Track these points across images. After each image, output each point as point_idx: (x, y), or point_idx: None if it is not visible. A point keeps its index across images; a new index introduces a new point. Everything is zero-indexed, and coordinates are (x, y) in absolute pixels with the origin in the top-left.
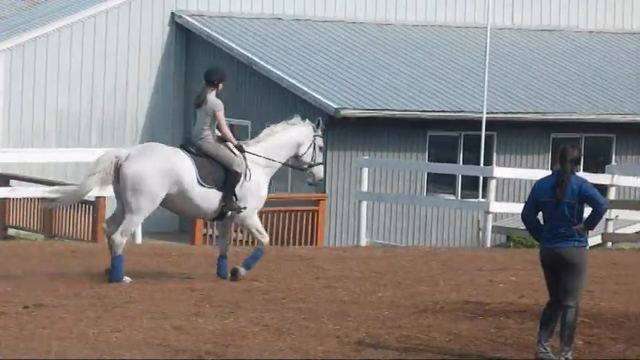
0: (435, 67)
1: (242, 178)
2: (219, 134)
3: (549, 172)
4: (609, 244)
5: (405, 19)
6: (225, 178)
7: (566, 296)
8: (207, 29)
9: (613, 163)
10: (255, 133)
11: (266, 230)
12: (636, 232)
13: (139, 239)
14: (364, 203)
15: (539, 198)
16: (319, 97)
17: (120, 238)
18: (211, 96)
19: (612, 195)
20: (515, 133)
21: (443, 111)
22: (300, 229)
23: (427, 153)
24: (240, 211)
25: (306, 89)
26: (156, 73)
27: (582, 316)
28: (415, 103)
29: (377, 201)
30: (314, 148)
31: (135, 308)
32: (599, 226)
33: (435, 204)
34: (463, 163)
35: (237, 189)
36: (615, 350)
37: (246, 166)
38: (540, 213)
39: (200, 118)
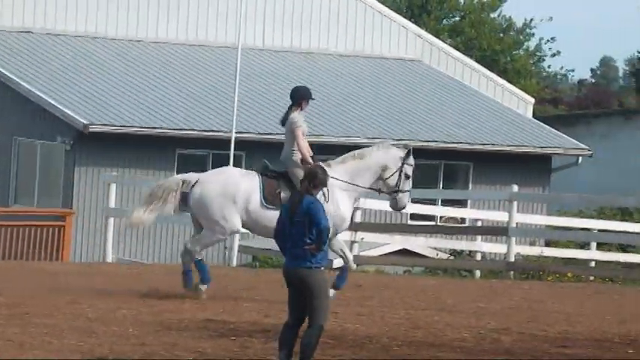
0: (186, 86)
1: None
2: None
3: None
4: (354, 265)
5: (156, 37)
6: None
7: (309, 316)
8: None
9: None
10: (1, 146)
11: (11, 244)
12: (381, 255)
13: None
14: (111, 220)
15: (281, 218)
16: (68, 112)
17: (191, 246)
18: (293, 115)
19: (358, 218)
20: (265, 154)
21: (192, 129)
22: (46, 244)
23: (175, 171)
24: None
25: (55, 104)
26: None
27: (326, 336)
28: (165, 120)
29: (124, 217)
30: (400, 174)
31: None
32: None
33: (182, 221)
34: None
35: None
36: None
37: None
38: None
39: (285, 136)
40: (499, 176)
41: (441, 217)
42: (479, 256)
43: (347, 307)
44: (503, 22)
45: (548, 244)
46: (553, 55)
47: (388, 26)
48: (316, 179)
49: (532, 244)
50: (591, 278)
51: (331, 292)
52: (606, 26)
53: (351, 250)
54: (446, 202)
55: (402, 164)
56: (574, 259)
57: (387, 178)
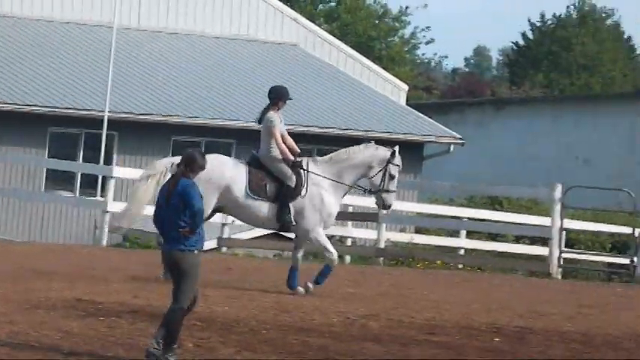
0: (60, 64)
1: (300, 193)
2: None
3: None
4: (224, 248)
5: (31, 13)
6: (280, 191)
7: (173, 296)
8: None
9: None
10: None
11: None
12: (251, 238)
13: None
14: None
15: (158, 201)
16: None
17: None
18: (270, 114)
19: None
20: (137, 134)
21: (65, 108)
22: None
23: (47, 149)
24: (291, 225)
25: None
26: None
27: (194, 319)
28: (37, 98)
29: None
30: (384, 173)
31: None
32: (216, 231)
33: (52, 200)
34: (83, 161)
35: (293, 203)
36: (225, 354)
37: (304, 183)
38: None
39: (262, 134)
40: None
41: None
42: (349, 242)
43: (216, 289)
44: (378, 8)
45: (418, 231)
46: (427, 43)
47: (264, 9)
48: (194, 164)
49: (402, 230)
50: (460, 266)
51: (310, 286)
52: (481, 16)
53: (221, 232)
54: None
55: (387, 164)
56: (444, 246)
57: (371, 177)
